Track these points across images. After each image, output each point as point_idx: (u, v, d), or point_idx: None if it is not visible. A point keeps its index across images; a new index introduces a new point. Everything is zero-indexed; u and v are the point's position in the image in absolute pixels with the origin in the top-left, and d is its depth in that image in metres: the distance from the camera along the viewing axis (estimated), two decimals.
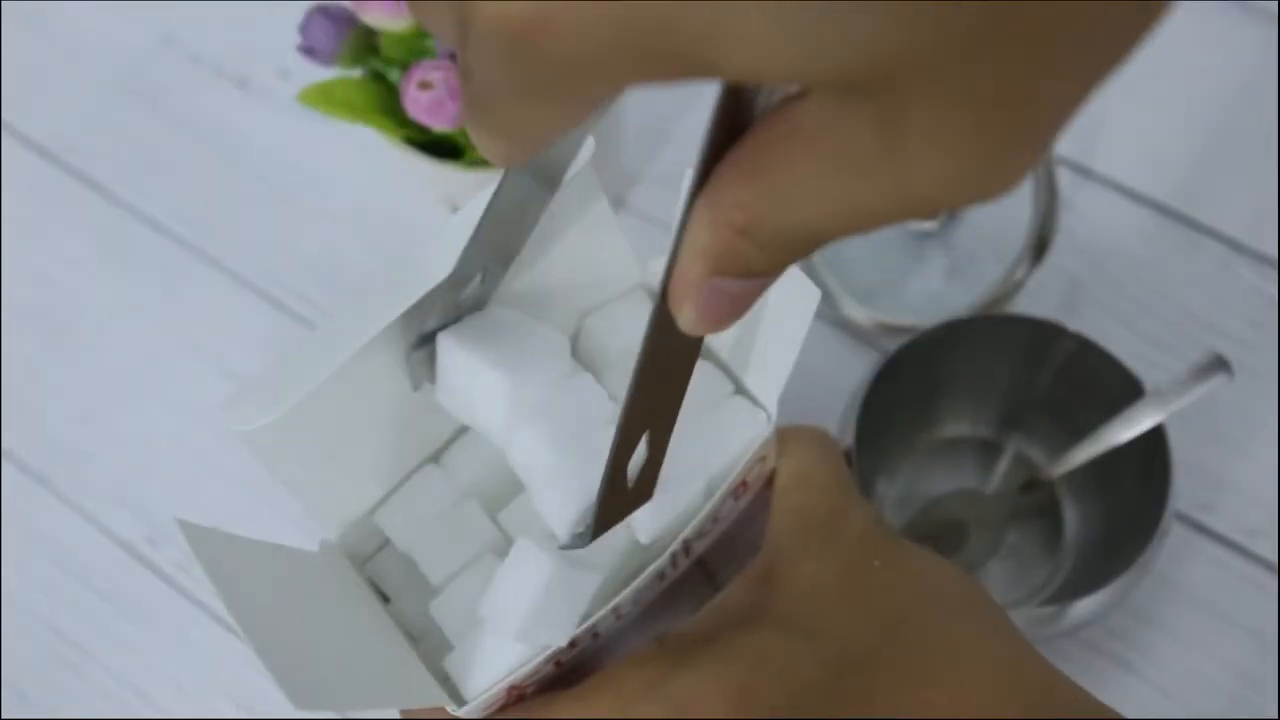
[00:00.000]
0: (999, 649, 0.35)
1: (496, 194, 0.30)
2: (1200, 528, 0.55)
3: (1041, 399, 0.54)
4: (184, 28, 0.70)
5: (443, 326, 0.34)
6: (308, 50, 0.52)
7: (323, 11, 0.52)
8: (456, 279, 0.32)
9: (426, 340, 0.34)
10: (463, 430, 0.38)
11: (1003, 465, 0.56)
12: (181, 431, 0.61)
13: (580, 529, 0.32)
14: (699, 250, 0.20)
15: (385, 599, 0.38)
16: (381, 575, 0.38)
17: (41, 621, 0.58)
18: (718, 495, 0.36)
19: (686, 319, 0.21)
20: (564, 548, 0.32)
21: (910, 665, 0.34)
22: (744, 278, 0.20)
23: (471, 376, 0.33)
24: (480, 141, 0.20)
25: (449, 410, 0.35)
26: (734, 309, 0.21)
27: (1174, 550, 0.54)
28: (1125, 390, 0.49)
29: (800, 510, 0.37)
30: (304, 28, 0.52)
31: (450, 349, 0.34)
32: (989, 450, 0.57)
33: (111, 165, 0.67)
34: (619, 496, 0.30)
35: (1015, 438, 0.56)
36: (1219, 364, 0.47)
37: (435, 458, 0.38)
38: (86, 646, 0.58)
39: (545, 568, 0.32)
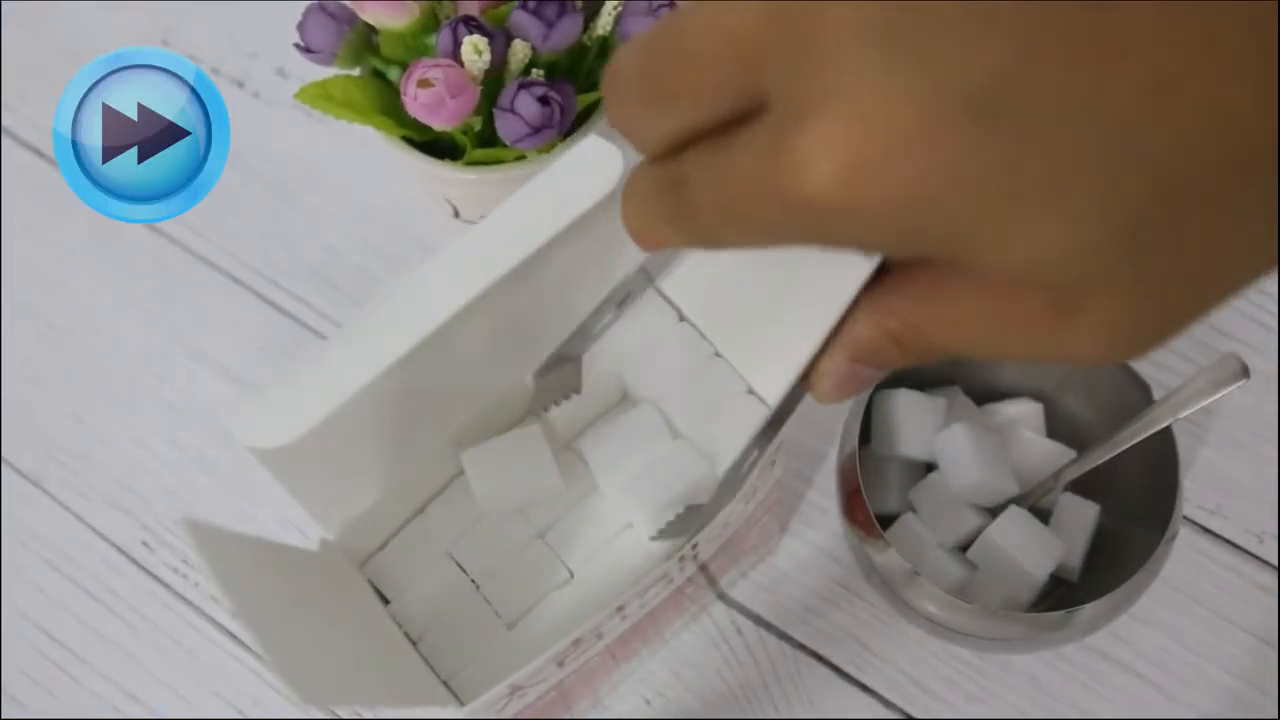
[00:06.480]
0: None
1: None
2: (1205, 531, 0.55)
3: (1043, 400, 0.54)
4: (182, 27, 0.70)
5: (572, 354, 0.35)
6: (306, 49, 0.52)
7: (321, 9, 0.51)
8: (605, 305, 0.33)
9: (555, 364, 0.35)
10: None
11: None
12: (177, 433, 0.61)
13: (667, 518, 0.35)
14: (852, 341, 0.23)
15: (385, 600, 0.38)
16: (381, 576, 0.38)
17: (35, 625, 0.58)
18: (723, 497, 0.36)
19: (821, 392, 0.25)
20: (655, 538, 0.35)
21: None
22: (880, 368, 0.24)
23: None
24: (638, 221, 0.23)
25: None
26: (860, 388, 0.25)
27: (1177, 552, 0.54)
28: (1129, 392, 0.49)
29: None
30: (302, 26, 0.52)
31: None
32: None
33: None
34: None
35: None
36: (1239, 370, 0.47)
37: (444, 473, 0.38)
38: (81, 650, 0.57)
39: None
